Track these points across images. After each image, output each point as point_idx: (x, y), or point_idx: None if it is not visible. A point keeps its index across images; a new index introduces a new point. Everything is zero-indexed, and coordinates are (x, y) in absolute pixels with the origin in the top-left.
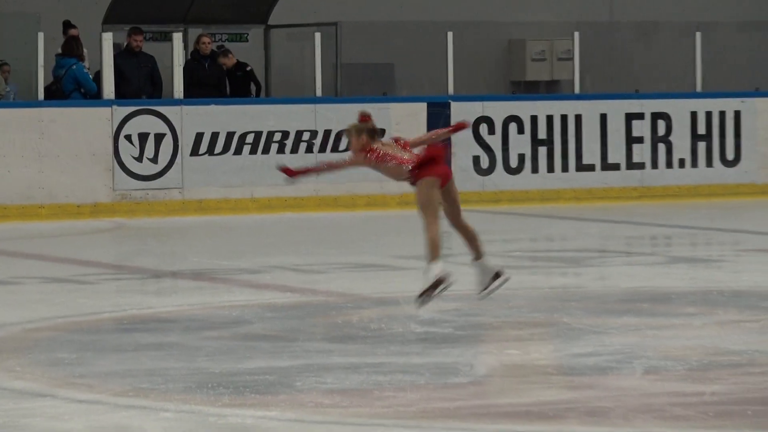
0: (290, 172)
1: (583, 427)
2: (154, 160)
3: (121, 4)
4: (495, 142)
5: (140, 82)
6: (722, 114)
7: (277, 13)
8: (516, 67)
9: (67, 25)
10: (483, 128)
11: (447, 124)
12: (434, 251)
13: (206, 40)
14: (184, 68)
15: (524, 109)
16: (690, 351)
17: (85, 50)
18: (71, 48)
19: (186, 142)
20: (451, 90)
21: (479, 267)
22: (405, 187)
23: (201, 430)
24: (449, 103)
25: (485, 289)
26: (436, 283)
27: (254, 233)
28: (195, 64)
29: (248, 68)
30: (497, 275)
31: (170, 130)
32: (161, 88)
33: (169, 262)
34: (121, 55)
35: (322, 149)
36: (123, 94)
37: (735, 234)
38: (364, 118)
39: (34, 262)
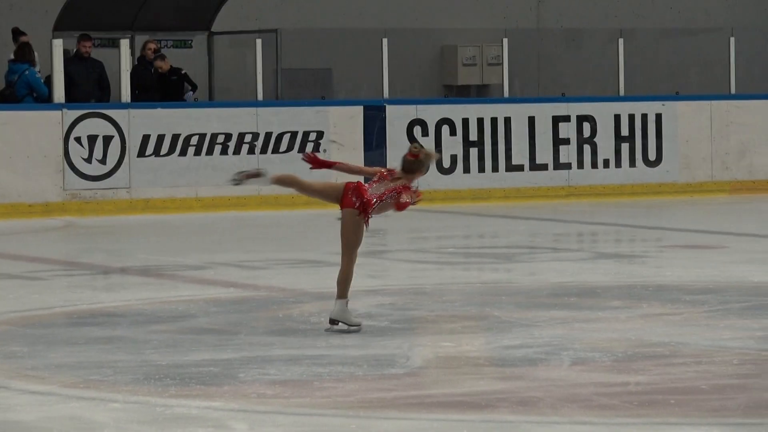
0: (313, 160)
1: (513, 416)
2: (103, 161)
3: (71, 12)
4: (428, 143)
5: (89, 87)
6: (644, 117)
7: (220, 21)
8: (448, 72)
9: (17, 32)
10: (417, 130)
11: (382, 127)
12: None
13: (152, 46)
14: (131, 73)
15: (456, 112)
16: (615, 343)
17: (36, 55)
18: (23, 54)
19: (133, 144)
20: (386, 94)
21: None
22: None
23: (148, 420)
24: (385, 107)
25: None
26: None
27: (199, 231)
28: (141, 69)
29: (182, 72)
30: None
31: (118, 133)
32: (109, 92)
33: (117, 259)
34: (71, 60)
35: (264, 151)
36: (73, 98)
37: (657, 231)
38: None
39: None
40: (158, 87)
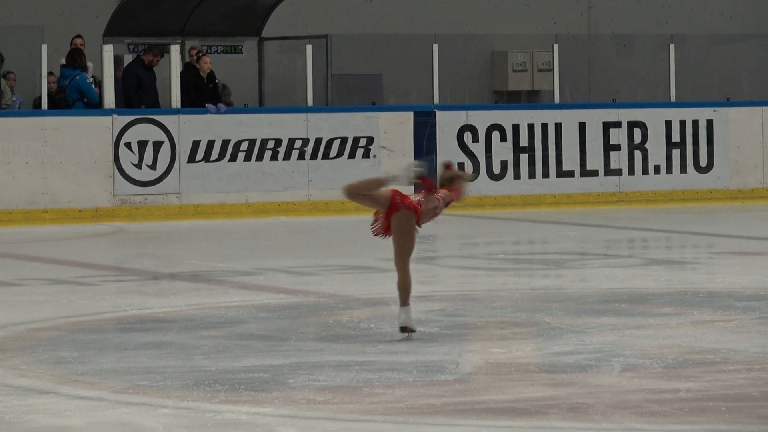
0: (428, 184)
1: (563, 423)
2: (153, 166)
3: (121, 18)
4: (478, 149)
5: (156, 93)
6: (695, 123)
7: (270, 26)
8: (498, 78)
9: (75, 36)
10: (467, 136)
11: (433, 133)
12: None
13: (192, 51)
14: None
15: (506, 117)
16: (666, 349)
17: (90, 64)
18: (74, 59)
19: (183, 150)
20: (436, 99)
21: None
22: None
23: (198, 425)
24: (435, 112)
25: (404, 330)
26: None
27: (249, 237)
28: (188, 75)
29: (217, 81)
30: (405, 329)
31: (168, 138)
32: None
33: (167, 265)
34: (136, 66)
35: (314, 156)
36: (142, 103)
37: (708, 237)
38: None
39: (37, 264)
40: (191, 91)
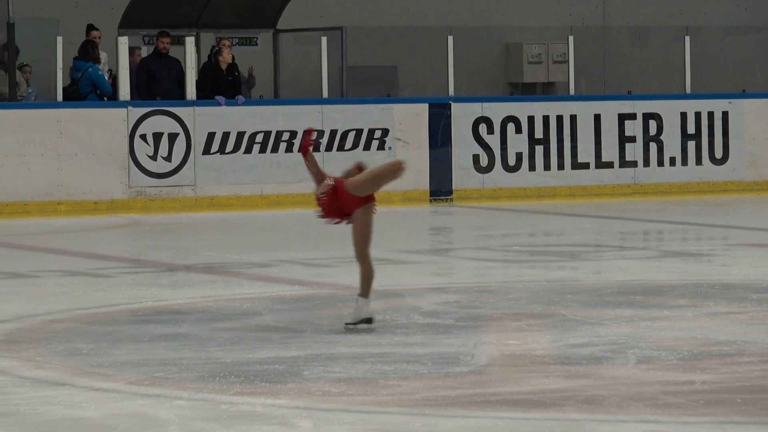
0: (306, 147)
1: (579, 415)
2: (168, 158)
3: (137, 10)
4: (494, 141)
5: (169, 84)
6: (711, 114)
7: (286, 18)
8: (513, 70)
9: (91, 28)
10: (482, 128)
11: (448, 124)
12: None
13: (227, 42)
14: (203, 71)
15: (522, 109)
16: (681, 341)
17: (104, 54)
18: (87, 51)
19: (198, 142)
20: (451, 91)
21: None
22: (406, 185)
23: (213, 417)
24: (450, 104)
25: (351, 324)
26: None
27: (264, 229)
28: (210, 66)
29: (236, 74)
30: (369, 321)
31: (183, 130)
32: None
33: (182, 257)
34: (150, 57)
35: (329, 148)
36: (153, 94)
37: (724, 229)
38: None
39: (53, 256)
40: (211, 83)
